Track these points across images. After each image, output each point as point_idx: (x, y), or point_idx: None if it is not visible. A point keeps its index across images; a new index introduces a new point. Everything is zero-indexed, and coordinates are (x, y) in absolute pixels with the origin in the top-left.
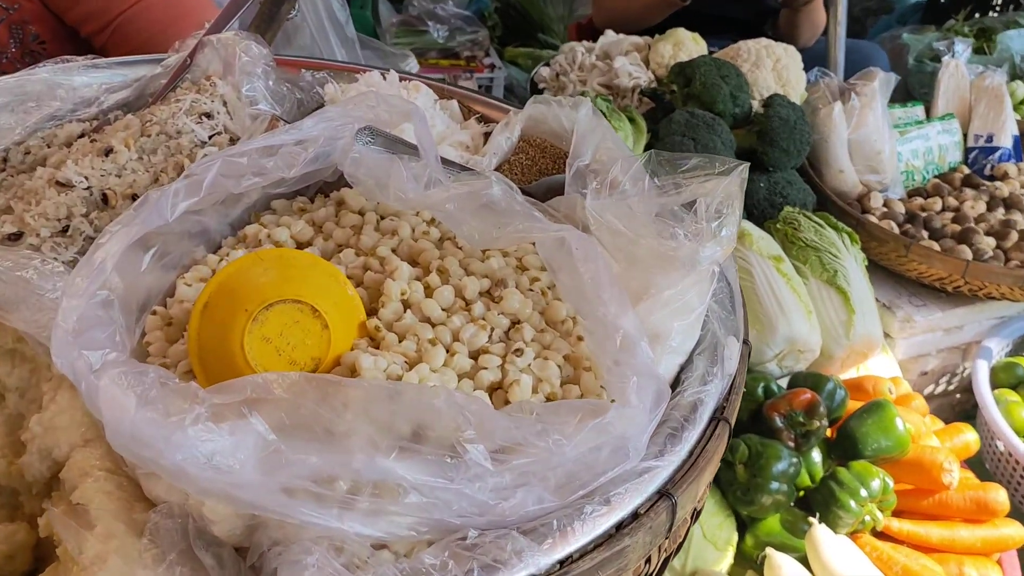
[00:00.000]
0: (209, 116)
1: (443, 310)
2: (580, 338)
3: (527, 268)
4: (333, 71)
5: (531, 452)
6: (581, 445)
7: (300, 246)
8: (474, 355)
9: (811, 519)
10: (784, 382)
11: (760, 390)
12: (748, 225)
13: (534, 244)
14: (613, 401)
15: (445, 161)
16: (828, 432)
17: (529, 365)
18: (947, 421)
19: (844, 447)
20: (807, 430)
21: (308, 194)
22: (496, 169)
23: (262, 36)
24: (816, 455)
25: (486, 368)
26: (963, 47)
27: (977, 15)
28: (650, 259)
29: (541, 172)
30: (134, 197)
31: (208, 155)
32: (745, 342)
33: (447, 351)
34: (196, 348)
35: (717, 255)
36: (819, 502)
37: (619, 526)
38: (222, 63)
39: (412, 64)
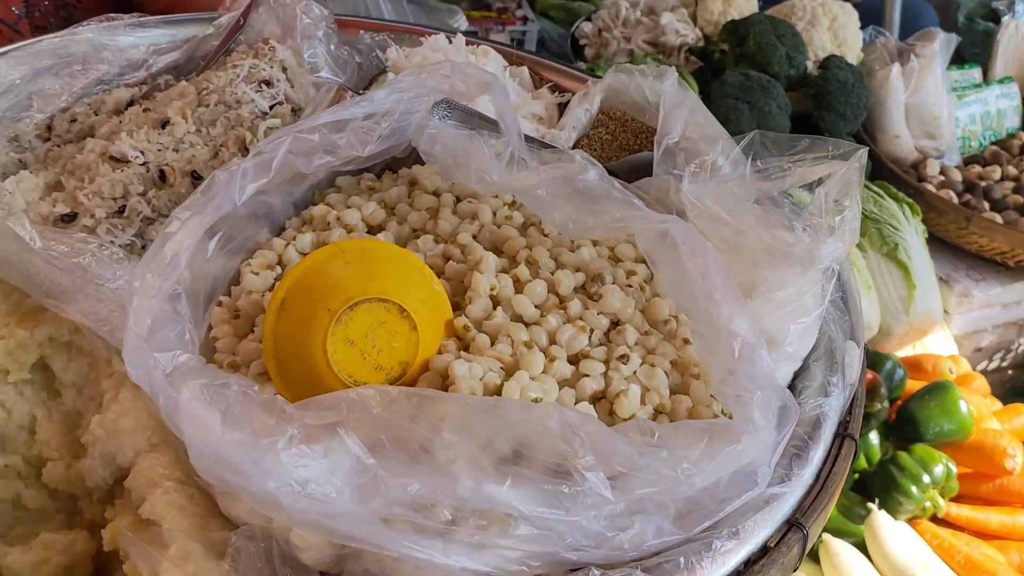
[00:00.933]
0: (269, 84)
1: (536, 307)
2: (686, 341)
3: (620, 259)
4: (394, 32)
5: (655, 480)
6: (712, 474)
7: (371, 230)
8: (573, 360)
9: (870, 505)
10: None
11: None
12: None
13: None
14: (730, 416)
15: (526, 137)
16: (887, 413)
17: (635, 372)
18: (998, 397)
19: (904, 429)
20: (867, 412)
21: (375, 170)
22: (575, 144)
23: None
24: (874, 437)
25: (588, 375)
26: (1023, 7)
27: None
28: (759, 253)
29: (622, 148)
30: (193, 173)
31: (271, 128)
32: (864, 347)
33: (545, 355)
34: (272, 349)
35: (838, 252)
36: (878, 487)
37: (748, 562)
38: (279, 24)
39: (462, 21)
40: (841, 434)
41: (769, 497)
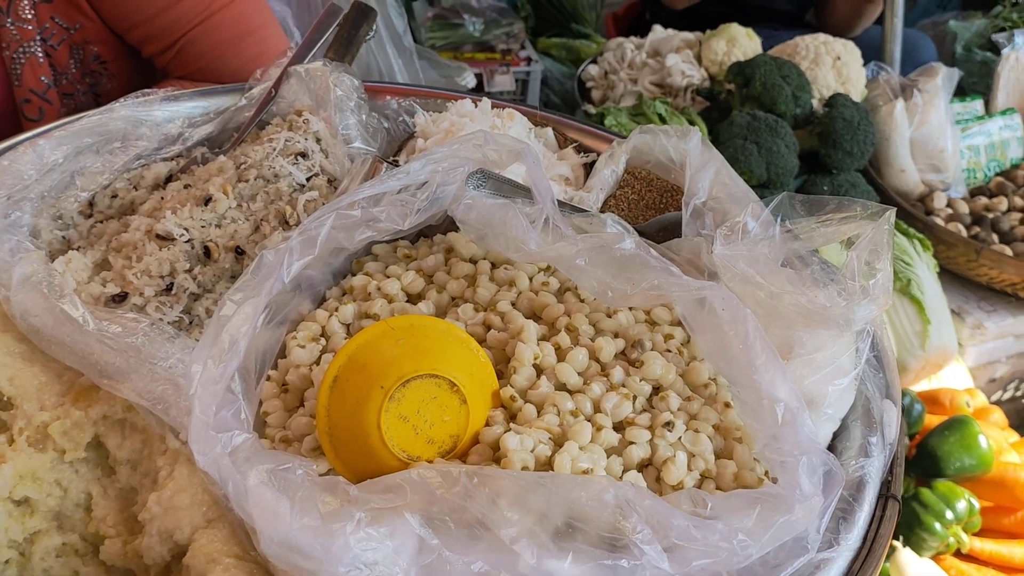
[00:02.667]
0: (304, 156)
1: (579, 375)
2: (727, 404)
3: (656, 323)
4: (419, 97)
5: (711, 552)
6: (768, 545)
7: (411, 299)
8: (618, 427)
9: (895, 543)
10: None
11: None
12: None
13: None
14: (774, 480)
15: (557, 203)
16: (907, 449)
17: (680, 438)
18: (1014, 428)
19: (924, 465)
20: None
21: (409, 236)
22: (603, 205)
23: (341, 61)
24: None
25: (635, 443)
26: (1023, 38)
27: None
28: (794, 315)
29: (648, 207)
30: (236, 248)
31: (310, 200)
32: (901, 405)
33: (591, 424)
34: (327, 426)
35: (872, 314)
36: (902, 525)
37: None
38: (310, 95)
39: (469, 77)
40: (884, 495)
41: (819, 563)
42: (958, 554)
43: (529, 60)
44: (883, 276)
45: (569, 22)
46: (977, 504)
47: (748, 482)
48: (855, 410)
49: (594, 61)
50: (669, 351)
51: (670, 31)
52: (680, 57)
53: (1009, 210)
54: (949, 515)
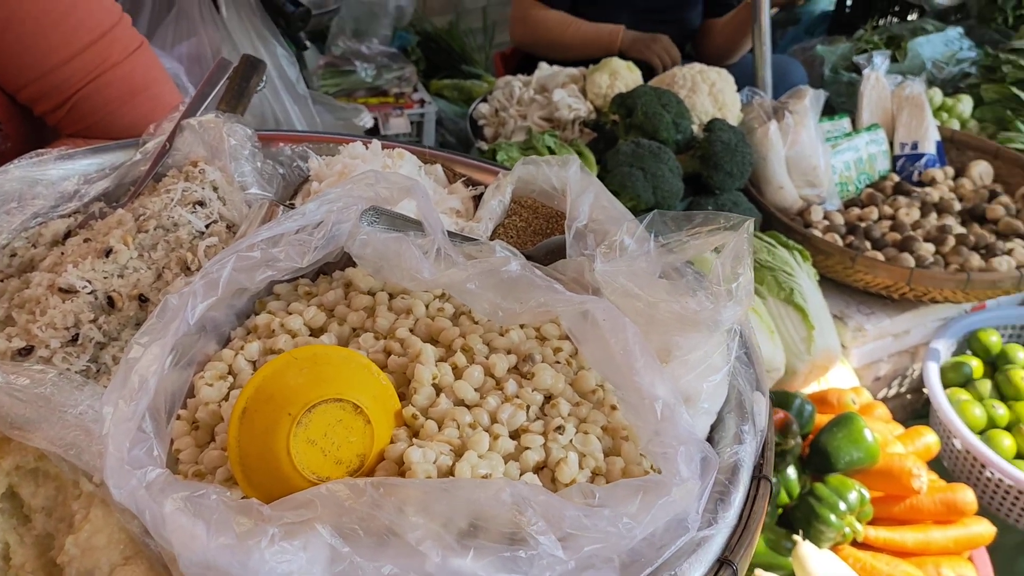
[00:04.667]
0: (202, 204)
1: (475, 390)
2: (613, 407)
3: (546, 338)
4: (312, 142)
5: (600, 537)
6: (649, 525)
7: (314, 333)
8: (514, 435)
9: (795, 537)
10: None
11: None
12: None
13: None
14: (658, 471)
15: (447, 233)
16: (801, 448)
17: (571, 440)
18: (901, 423)
19: (817, 462)
20: (782, 449)
21: (309, 275)
22: (492, 234)
23: (233, 112)
24: (792, 472)
25: (530, 448)
26: (881, 59)
27: (881, 22)
28: (670, 321)
29: (536, 233)
30: (139, 296)
31: (210, 246)
32: (768, 395)
33: (489, 434)
34: (238, 456)
35: (738, 314)
36: (800, 519)
37: None
38: (205, 147)
39: (365, 118)
40: (757, 476)
41: (700, 540)
42: (854, 543)
43: (422, 102)
44: (745, 279)
45: (459, 63)
46: (868, 494)
47: (635, 475)
48: (729, 403)
49: (484, 100)
50: (558, 362)
51: (555, 67)
52: (566, 92)
53: (880, 219)
54: (842, 506)
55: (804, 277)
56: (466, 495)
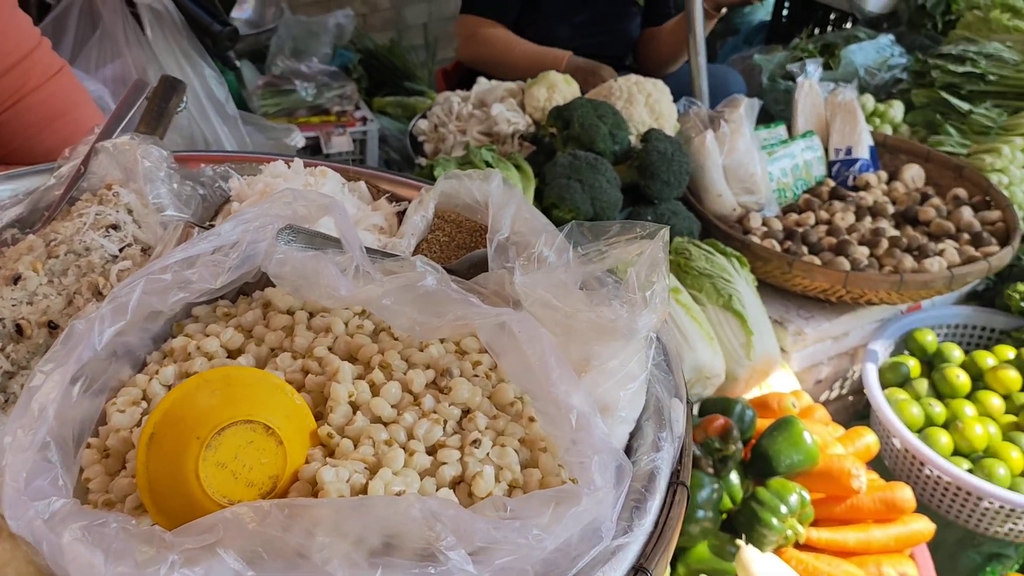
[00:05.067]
0: (116, 228)
1: (393, 407)
2: (531, 419)
3: (466, 352)
4: (234, 163)
5: (512, 549)
6: (560, 535)
7: (231, 355)
8: (431, 451)
9: (738, 541)
10: (696, 409)
11: None
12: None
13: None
14: (575, 481)
15: (368, 250)
16: (742, 453)
17: (488, 454)
18: (843, 424)
19: (759, 466)
20: (724, 455)
21: (229, 296)
22: (415, 249)
23: (152, 134)
24: (734, 477)
25: (446, 463)
26: (814, 67)
27: (817, 31)
28: (589, 331)
29: (460, 247)
30: (49, 324)
31: (123, 271)
32: (687, 401)
33: (405, 450)
34: (146, 482)
35: (653, 322)
36: (743, 523)
37: None
38: (120, 169)
39: (297, 138)
40: (674, 483)
41: (615, 548)
42: (797, 545)
43: (365, 120)
44: (660, 287)
45: (402, 80)
46: (808, 496)
47: (552, 486)
48: (647, 410)
49: (424, 116)
50: (477, 376)
51: (494, 82)
52: (504, 106)
53: (816, 224)
54: (784, 509)
55: (742, 283)
56: (377, 513)
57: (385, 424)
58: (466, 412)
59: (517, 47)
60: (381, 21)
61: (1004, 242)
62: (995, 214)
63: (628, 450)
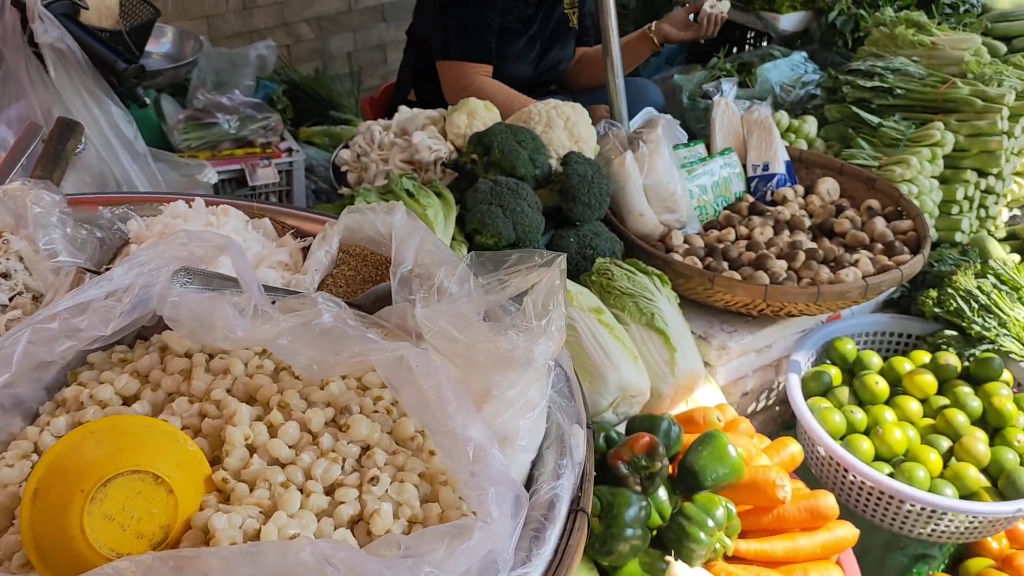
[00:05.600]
0: (6, 276)
1: (291, 447)
2: (432, 452)
3: (368, 388)
4: (133, 203)
5: None
6: (454, 571)
7: (127, 402)
8: (329, 490)
9: (668, 558)
10: (623, 428)
11: (602, 440)
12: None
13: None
14: (475, 514)
15: (268, 288)
16: (670, 469)
17: (387, 491)
18: (771, 434)
19: (686, 481)
20: (651, 472)
21: (127, 340)
22: (320, 285)
23: (49, 178)
24: (662, 493)
25: (344, 502)
26: (729, 85)
27: (736, 50)
28: (488, 362)
29: (366, 281)
30: None
31: (13, 320)
32: (588, 427)
33: (302, 491)
34: (32, 538)
35: (551, 350)
36: (671, 539)
37: None
38: (11, 215)
39: (210, 174)
40: (574, 509)
41: None
42: (726, 558)
43: (291, 151)
44: (557, 315)
45: (328, 110)
46: (734, 508)
47: (452, 520)
48: (548, 438)
49: (347, 146)
50: (377, 412)
51: (416, 110)
52: (426, 134)
53: (737, 239)
54: (711, 523)
55: (664, 301)
56: (268, 559)
57: (283, 465)
58: (366, 449)
59: (516, 100)
60: (306, 51)
61: (915, 250)
62: (906, 223)
63: (530, 479)
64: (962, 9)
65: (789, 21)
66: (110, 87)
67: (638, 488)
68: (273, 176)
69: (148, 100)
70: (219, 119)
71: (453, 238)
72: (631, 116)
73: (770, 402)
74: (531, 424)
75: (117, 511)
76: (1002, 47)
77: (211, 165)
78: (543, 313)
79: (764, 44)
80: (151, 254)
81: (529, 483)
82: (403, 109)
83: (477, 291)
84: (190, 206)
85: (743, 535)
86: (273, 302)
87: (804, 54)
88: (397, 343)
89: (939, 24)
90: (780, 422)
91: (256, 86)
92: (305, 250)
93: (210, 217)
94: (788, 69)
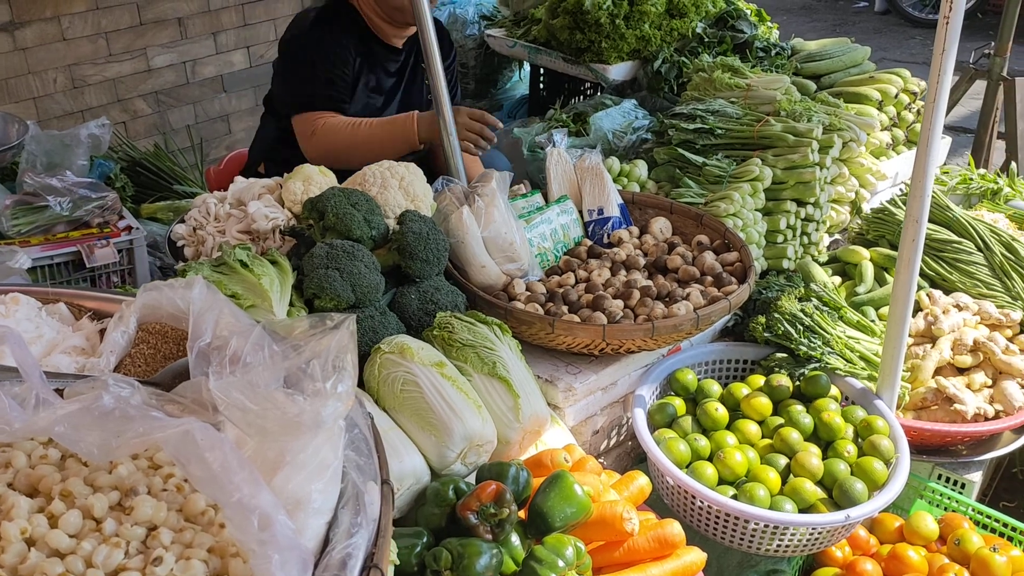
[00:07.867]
0: None
1: (72, 536)
2: (222, 525)
3: (160, 466)
4: None
5: None
6: None
7: None
8: (112, 575)
9: None
10: (472, 478)
11: (451, 492)
12: (407, 339)
13: None
14: None
15: (54, 375)
16: (521, 514)
17: (171, 570)
18: (625, 468)
19: (537, 524)
20: (500, 519)
21: None
22: (118, 366)
23: None
24: (515, 539)
25: None
26: (560, 136)
27: (575, 100)
28: (279, 428)
29: (166, 358)
30: None
31: None
32: (385, 482)
33: None
34: None
35: (339, 411)
36: None
37: None
38: None
39: (23, 259)
40: (368, 566)
41: None
42: None
43: (130, 228)
44: (346, 374)
45: (172, 184)
46: (584, 546)
47: None
48: (344, 497)
49: (183, 220)
50: (166, 490)
51: (251, 180)
52: (262, 202)
53: (576, 283)
54: (561, 564)
55: (505, 349)
56: None
57: (62, 556)
58: (152, 529)
59: (361, 124)
60: (144, 126)
61: (742, 280)
62: (733, 255)
63: (327, 541)
64: (774, 52)
65: (618, 71)
66: None
67: (488, 536)
68: (113, 256)
69: None
70: (50, 201)
71: (292, 304)
72: None
73: (621, 437)
74: (324, 486)
75: None
76: (812, 85)
77: (24, 250)
78: (330, 374)
79: (599, 93)
80: None
81: (326, 544)
82: (238, 179)
83: (273, 358)
84: None
85: (599, 571)
86: (60, 390)
87: (634, 101)
88: (182, 419)
89: (753, 67)
90: (634, 456)
91: (91, 165)
92: (103, 332)
93: None
94: (619, 116)
